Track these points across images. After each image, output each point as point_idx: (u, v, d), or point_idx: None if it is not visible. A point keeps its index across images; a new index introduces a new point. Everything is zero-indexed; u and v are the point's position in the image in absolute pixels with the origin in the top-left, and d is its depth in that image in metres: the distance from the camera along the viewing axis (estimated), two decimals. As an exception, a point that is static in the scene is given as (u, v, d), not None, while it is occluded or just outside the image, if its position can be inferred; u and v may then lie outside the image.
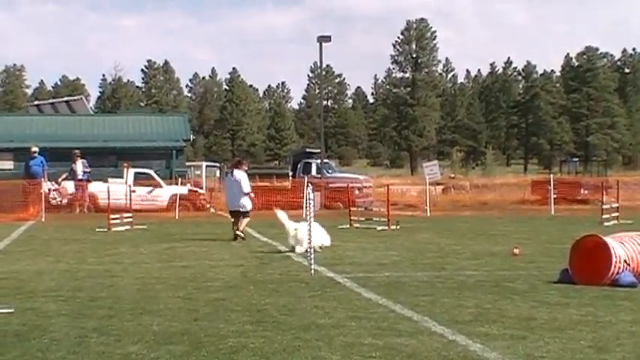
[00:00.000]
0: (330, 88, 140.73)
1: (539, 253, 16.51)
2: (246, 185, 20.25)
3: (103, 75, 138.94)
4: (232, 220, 20.46)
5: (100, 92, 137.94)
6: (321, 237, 17.03)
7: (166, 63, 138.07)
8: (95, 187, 30.86)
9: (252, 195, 20.90)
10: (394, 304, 10.08)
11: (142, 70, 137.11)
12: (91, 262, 15.26)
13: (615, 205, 27.11)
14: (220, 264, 14.76)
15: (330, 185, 35.76)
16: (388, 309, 9.82)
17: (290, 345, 7.72)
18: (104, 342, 7.90)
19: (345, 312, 9.55)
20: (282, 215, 17.80)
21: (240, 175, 20.34)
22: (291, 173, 42.78)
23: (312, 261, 13.18)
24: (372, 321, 8.96)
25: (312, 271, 13.03)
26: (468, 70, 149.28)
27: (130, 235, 21.62)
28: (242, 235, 19.71)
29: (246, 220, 20.17)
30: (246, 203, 20.23)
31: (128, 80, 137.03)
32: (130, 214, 24.45)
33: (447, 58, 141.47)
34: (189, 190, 33.13)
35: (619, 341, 7.87)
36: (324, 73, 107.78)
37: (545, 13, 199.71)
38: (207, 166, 54.81)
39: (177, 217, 28.62)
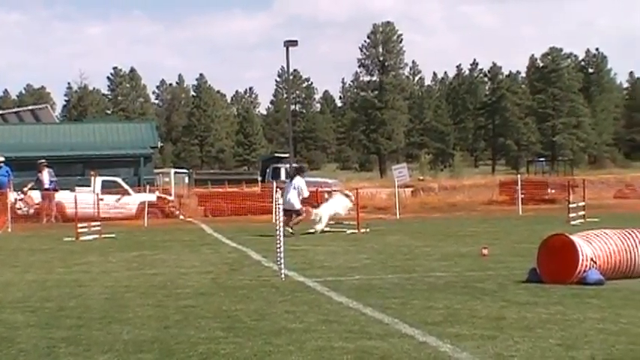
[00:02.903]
0: (297, 92, 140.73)
1: (507, 253, 16.62)
2: (305, 191, 23.87)
3: (69, 83, 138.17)
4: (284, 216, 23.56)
5: (65, 101, 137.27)
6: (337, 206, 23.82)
7: (132, 70, 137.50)
8: (62, 196, 30.59)
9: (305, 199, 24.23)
10: (365, 307, 10.10)
11: (108, 77, 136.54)
12: (59, 271, 15.13)
13: (582, 203, 27.35)
14: (190, 271, 14.70)
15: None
16: (359, 312, 9.83)
17: (261, 350, 7.71)
18: (73, 352, 7.84)
19: (315, 316, 9.55)
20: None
21: (299, 182, 23.91)
22: (260, 178, 42.75)
23: (283, 266, 13.17)
24: (342, 324, 8.97)
25: (283, 276, 13.02)
26: (434, 73, 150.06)
27: (98, 244, 21.46)
28: (291, 230, 22.25)
29: (298, 218, 23.48)
30: (297, 203, 23.49)
31: (94, 88, 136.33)
32: (98, 223, 24.26)
33: (413, 61, 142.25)
34: (158, 198, 32.98)
35: (587, 339, 7.94)
36: (291, 77, 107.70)
37: (509, 15, 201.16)
38: (175, 172, 54.58)
39: (146, 225, 28.46)
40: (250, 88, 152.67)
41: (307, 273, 13.85)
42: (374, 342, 7.99)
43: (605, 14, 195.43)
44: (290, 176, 25.45)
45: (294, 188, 23.62)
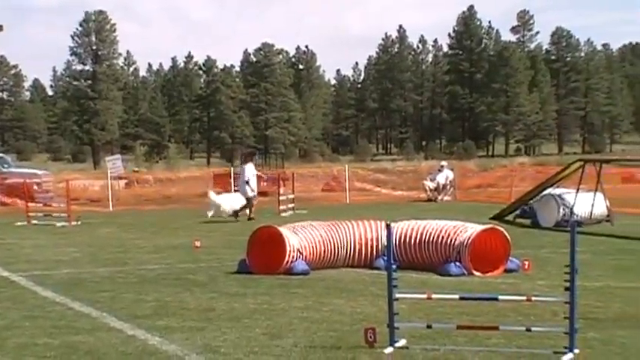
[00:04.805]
0: (5, 79, 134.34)
1: (220, 245, 16.90)
2: (245, 175, 24.45)
3: None
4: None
5: None
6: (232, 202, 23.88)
7: None
8: None
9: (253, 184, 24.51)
10: (73, 302, 9.89)
11: None
12: None
13: (291, 196, 28.30)
14: None
15: (6, 181, 34.22)
16: (66, 307, 9.61)
17: (-42, 351, 7.33)
18: None
19: (19, 312, 9.22)
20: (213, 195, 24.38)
21: (246, 167, 25.00)
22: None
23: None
24: (48, 320, 8.73)
25: (-15, 272, 12.45)
26: (149, 64, 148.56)
27: None
28: (252, 217, 23.68)
29: (250, 206, 24.13)
30: (247, 191, 24.26)
31: None
32: None
33: (128, 51, 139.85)
34: None
35: (291, 327, 8.25)
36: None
37: (225, 9, 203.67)
38: None
39: None
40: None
41: (12, 267, 13.35)
42: (81, 337, 7.85)
43: (313, 13, 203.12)
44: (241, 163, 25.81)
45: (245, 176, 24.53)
